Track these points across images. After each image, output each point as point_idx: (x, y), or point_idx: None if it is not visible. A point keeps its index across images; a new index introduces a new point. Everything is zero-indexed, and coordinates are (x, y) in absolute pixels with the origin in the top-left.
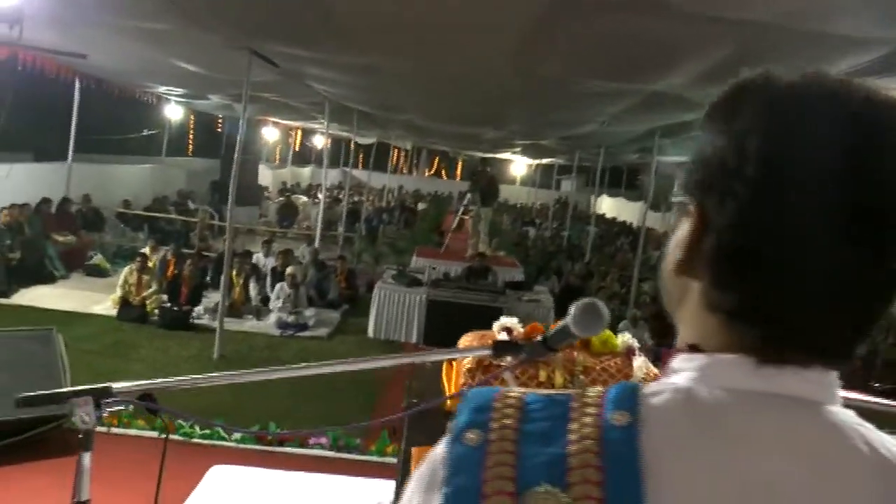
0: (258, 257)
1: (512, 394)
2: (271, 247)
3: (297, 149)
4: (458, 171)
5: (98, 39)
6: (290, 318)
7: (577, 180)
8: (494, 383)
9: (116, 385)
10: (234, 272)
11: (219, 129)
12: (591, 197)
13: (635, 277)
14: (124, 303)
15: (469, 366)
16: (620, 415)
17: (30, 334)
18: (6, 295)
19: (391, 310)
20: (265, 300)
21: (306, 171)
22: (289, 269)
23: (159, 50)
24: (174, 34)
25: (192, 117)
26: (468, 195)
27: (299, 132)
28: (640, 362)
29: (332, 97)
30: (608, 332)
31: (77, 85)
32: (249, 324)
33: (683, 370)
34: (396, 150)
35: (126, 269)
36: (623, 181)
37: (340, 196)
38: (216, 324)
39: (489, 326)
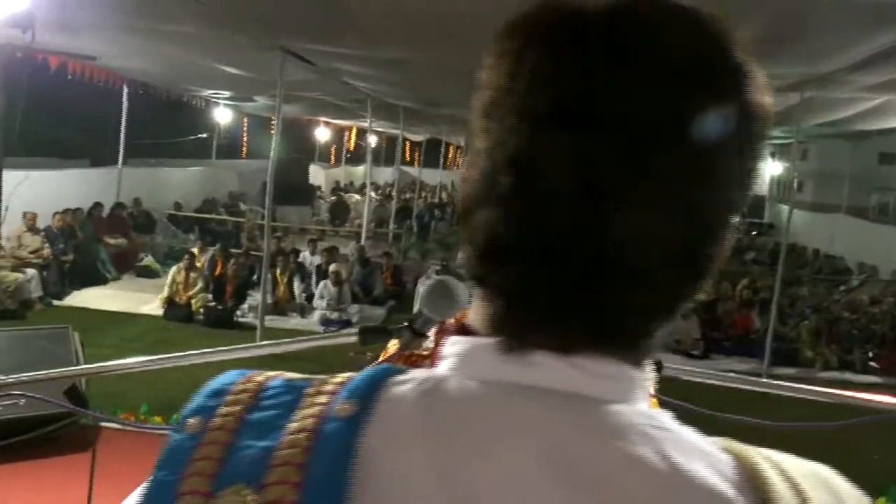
0: (304, 255)
1: (258, 377)
2: (317, 245)
3: (351, 148)
4: None
5: (135, 45)
6: (334, 315)
7: None
8: None
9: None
10: (279, 270)
11: (272, 132)
12: None
13: None
14: (170, 302)
15: (386, 356)
16: (348, 404)
17: (46, 332)
18: (60, 297)
19: None
20: (310, 298)
21: (360, 170)
22: (332, 267)
23: (195, 53)
24: (204, 37)
25: (244, 120)
26: None
27: (353, 131)
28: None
29: (373, 94)
30: None
31: (125, 91)
32: (294, 321)
33: (447, 356)
34: (450, 147)
35: (174, 269)
36: None
37: (392, 193)
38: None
39: None
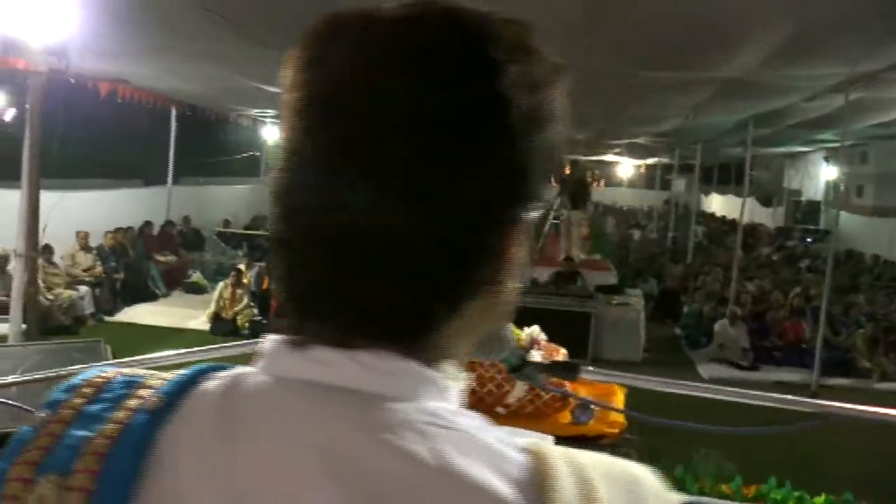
0: None
1: (110, 373)
2: None
3: None
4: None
5: (172, 66)
6: None
7: (687, 179)
8: None
9: None
10: None
11: None
12: (700, 196)
13: (734, 275)
14: (217, 317)
15: None
16: (158, 398)
17: (79, 346)
18: (111, 313)
19: None
20: None
21: None
22: None
23: (231, 72)
24: (235, 54)
25: None
26: (557, 199)
27: None
28: (538, 356)
29: None
30: (515, 330)
31: (173, 113)
32: None
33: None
34: None
35: (221, 285)
36: (732, 177)
37: None
38: None
39: (577, 331)
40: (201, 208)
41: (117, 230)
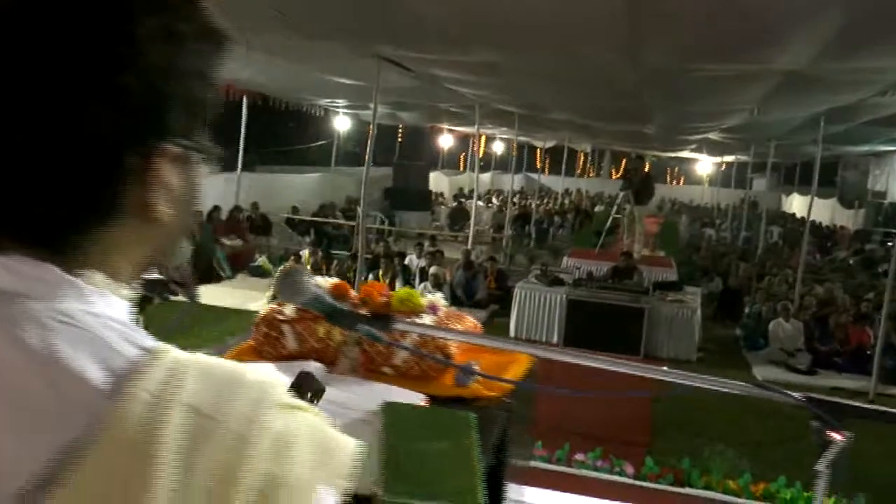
0: (411, 259)
1: None
2: (423, 248)
3: (480, 155)
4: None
5: (242, 58)
6: None
7: (769, 178)
8: (274, 336)
9: None
10: (381, 272)
11: (400, 140)
12: (780, 195)
13: (799, 277)
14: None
15: (257, 319)
16: None
17: None
18: (176, 294)
19: (532, 310)
20: None
21: (486, 177)
22: (432, 270)
23: (298, 63)
24: (301, 47)
25: (370, 128)
26: (621, 194)
27: (482, 139)
28: (428, 320)
29: (476, 99)
30: (409, 291)
31: (244, 102)
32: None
33: None
34: (582, 154)
35: (280, 269)
36: (815, 177)
37: (515, 200)
38: None
39: (630, 327)
40: (271, 195)
41: None
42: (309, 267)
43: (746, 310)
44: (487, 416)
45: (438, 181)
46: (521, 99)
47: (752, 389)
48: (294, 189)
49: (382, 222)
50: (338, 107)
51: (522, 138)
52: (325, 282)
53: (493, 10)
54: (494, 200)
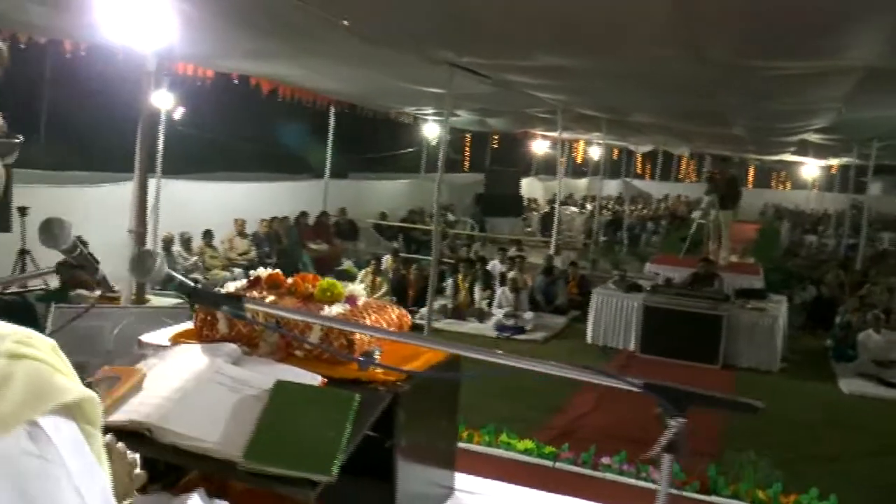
0: (494, 264)
1: None
2: (506, 254)
3: (579, 160)
4: (750, 178)
5: (324, 69)
6: (510, 322)
7: (884, 182)
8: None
9: None
10: (461, 276)
11: (496, 146)
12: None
13: None
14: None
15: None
16: None
17: (169, 311)
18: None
19: (609, 316)
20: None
21: (582, 183)
22: (511, 274)
23: (372, 71)
24: (373, 56)
25: (468, 136)
26: (705, 199)
27: (581, 144)
28: (337, 311)
29: (558, 104)
30: (330, 282)
31: (332, 111)
32: (470, 325)
33: None
34: (683, 158)
35: (361, 272)
36: None
37: (609, 206)
38: (438, 324)
39: (707, 335)
40: (360, 201)
41: (273, 219)
42: (387, 269)
43: (837, 319)
44: (374, 397)
45: (532, 187)
46: (599, 102)
47: (588, 374)
48: (383, 195)
49: (472, 228)
50: (426, 114)
51: (619, 143)
52: (264, 272)
53: (552, 13)
54: (588, 206)
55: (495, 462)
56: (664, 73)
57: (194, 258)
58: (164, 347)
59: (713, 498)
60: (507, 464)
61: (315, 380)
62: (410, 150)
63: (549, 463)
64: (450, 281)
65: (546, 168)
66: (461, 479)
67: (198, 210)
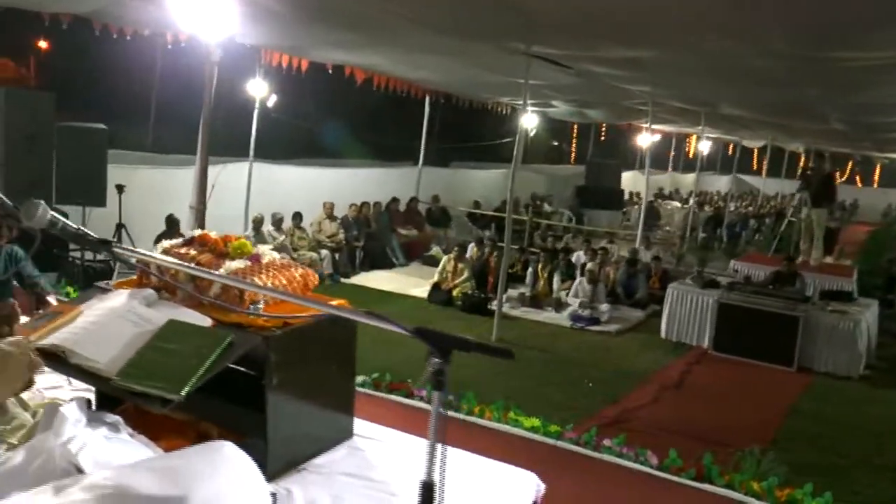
0: (578, 255)
1: None
2: (590, 245)
3: (690, 155)
4: (876, 177)
5: (417, 61)
6: (585, 312)
7: None
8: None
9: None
10: (540, 265)
11: (602, 137)
12: None
13: None
14: (436, 287)
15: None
16: None
17: None
18: (347, 276)
19: (683, 311)
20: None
21: (689, 178)
22: (588, 266)
23: (458, 62)
24: (456, 47)
25: (574, 127)
26: (797, 196)
27: (693, 139)
28: (236, 265)
29: (645, 96)
30: (242, 242)
31: (427, 100)
32: (545, 314)
33: None
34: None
35: (445, 258)
36: None
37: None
38: (514, 311)
39: (782, 336)
40: (455, 189)
41: (363, 204)
42: (471, 257)
43: None
44: (247, 338)
45: (636, 180)
46: (684, 94)
47: (365, 317)
48: (480, 184)
49: (570, 219)
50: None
51: (729, 137)
52: (196, 232)
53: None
54: (691, 202)
55: (502, 437)
56: (734, 64)
57: (282, 238)
58: (107, 291)
59: (706, 486)
60: (509, 439)
61: (206, 321)
62: (508, 139)
63: (551, 441)
64: (529, 270)
65: (652, 162)
66: (366, 427)
67: (290, 193)
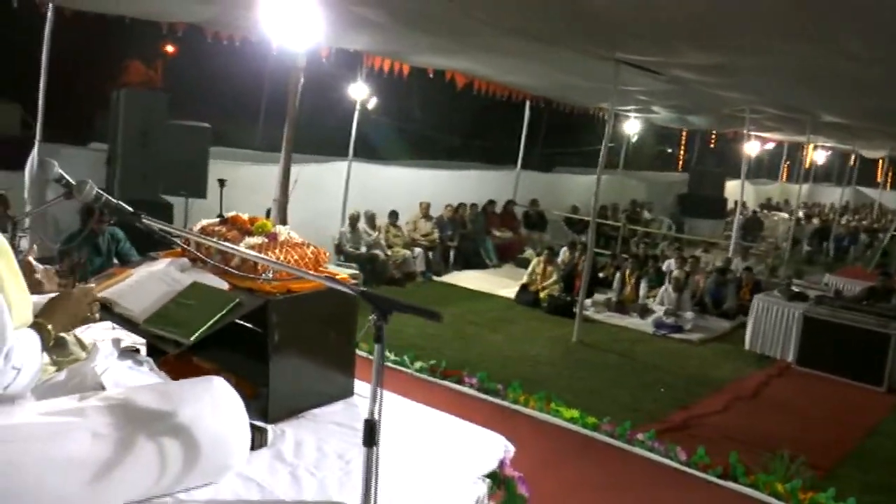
0: (669, 262)
1: None
2: (681, 253)
3: (806, 165)
4: None
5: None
6: (669, 320)
7: None
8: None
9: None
10: (628, 272)
11: (711, 146)
12: None
13: None
14: (524, 288)
15: None
16: None
17: None
18: (439, 274)
19: (769, 324)
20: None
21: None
22: (674, 273)
23: (547, 67)
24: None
25: (684, 134)
26: None
27: (809, 148)
28: (254, 241)
29: (743, 103)
30: (264, 222)
31: (527, 105)
32: (630, 320)
33: None
34: None
35: (535, 261)
36: None
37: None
38: (598, 316)
39: (872, 354)
40: (553, 193)
41: (460, 205)
42: (563, 260)
43: None
44: (253, 300)
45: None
46: (777, 101)
47: (311, 275)
48: (579, 189)
49: (669, 227)
50: (628, 111)
51: (844, 147)
52: (228, 214)
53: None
54: (801, 213)
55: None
56: (819, 70)
57: (376, 234)
58: (155, 259)
59: (730, 484)
60: (549, 428)
61: (223, 285)
62: (611, 145)
63: (588, 432)
64: (617, 275)
65: (758, 171)
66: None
67: (389, 192)
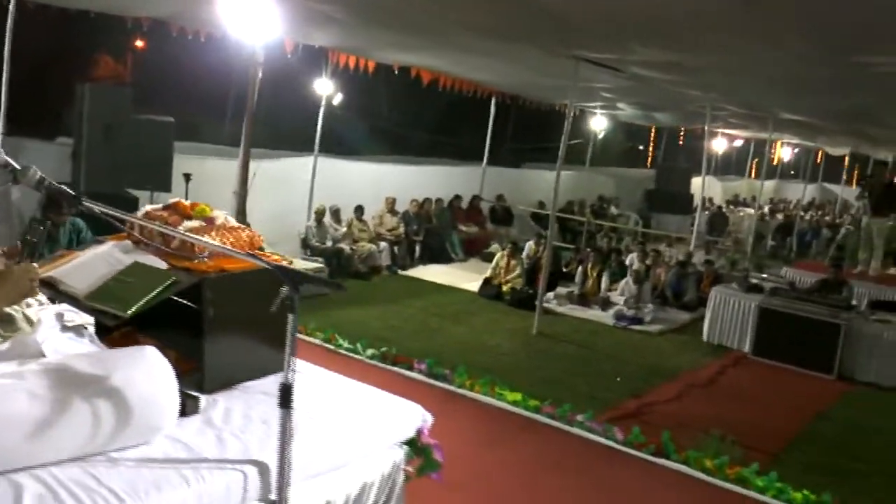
0: (632, 257)
1: None
2: (644, 247)
3: (773, 162)
4: None
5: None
6: (630, 312)
7: None
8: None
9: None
10: (590, 265)
11: (680, 142)
12: None
13: None
14: (487, 282)
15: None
16: None
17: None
18: (405, 268)
19: (726, 315)
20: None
21: (768, 185)
22: (634, 266)
23: (508, 64)
24: (506, 50)
25: (653, 130)
26: (856, 204)
27: (777, 145)
28: (192, 224)
29: (704, 100)
30: (203, 207)
31: (493, 101)
32: (591, 312)
33: None
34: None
35: (498, 255)
36: None
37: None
38: (560, 308)
39: (823, 343)
40: (520, 189)
41: (425, 200)
42: (526, 255)
43: None
44: (188, 278)
45: (710, 186)
46: (737, 98)
47: (230, 251)
48: (546, 185)
49: (636, 223)
50: (594, 108)
51: (809, 143)
52: (168, 198)
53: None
54: (766, 208)
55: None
56: (766, 68)
57: (343, 229)
58: (102, 242)
59: (662, 461)
60: (493, 410)
61: (162, 265)
62: (578, 141)
63: (530, 414)
64: (579, 269)
65: (727, 167)
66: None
67: (355, 187)
